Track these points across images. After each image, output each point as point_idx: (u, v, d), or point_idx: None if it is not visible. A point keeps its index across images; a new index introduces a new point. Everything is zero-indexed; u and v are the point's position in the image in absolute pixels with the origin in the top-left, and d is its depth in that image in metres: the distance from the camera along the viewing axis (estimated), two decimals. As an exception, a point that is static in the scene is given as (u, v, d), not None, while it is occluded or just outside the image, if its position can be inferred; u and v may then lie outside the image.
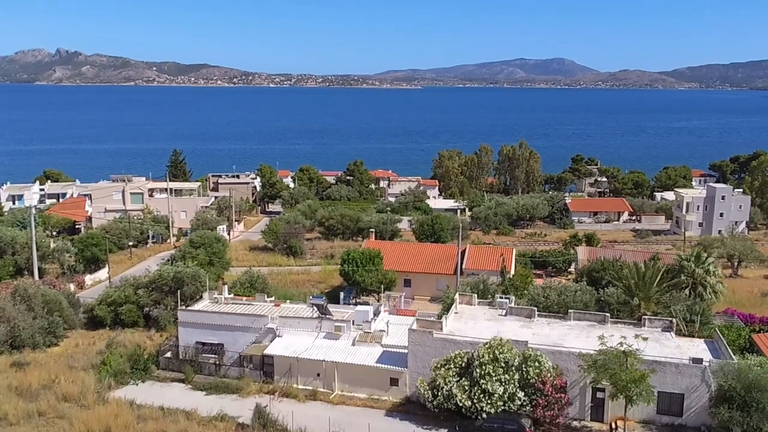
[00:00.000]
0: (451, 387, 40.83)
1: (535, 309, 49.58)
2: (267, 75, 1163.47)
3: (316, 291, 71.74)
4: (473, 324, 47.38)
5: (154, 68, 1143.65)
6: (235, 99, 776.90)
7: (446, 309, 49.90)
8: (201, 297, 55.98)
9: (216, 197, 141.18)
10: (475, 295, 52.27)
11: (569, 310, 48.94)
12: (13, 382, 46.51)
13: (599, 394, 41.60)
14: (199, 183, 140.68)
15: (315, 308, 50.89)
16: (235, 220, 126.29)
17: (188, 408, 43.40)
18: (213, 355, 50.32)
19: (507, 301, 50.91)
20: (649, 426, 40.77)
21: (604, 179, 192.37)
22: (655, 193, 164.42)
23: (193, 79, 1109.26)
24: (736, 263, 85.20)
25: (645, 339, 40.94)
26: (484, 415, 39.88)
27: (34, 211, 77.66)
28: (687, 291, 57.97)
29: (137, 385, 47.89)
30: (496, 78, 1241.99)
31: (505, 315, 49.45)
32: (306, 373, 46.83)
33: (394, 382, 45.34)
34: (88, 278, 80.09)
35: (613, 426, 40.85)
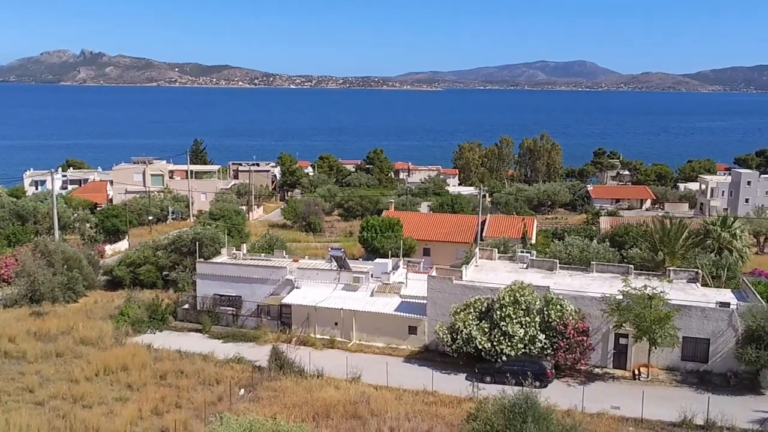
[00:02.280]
0: (470, 330, 40.14)
1: (557, 261, 48.76)
2: (288, 76, 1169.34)
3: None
4: (493, 275, 46.65)
5: (177, 69, 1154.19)
6: (255, 99, 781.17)
7: (466, 262, 49.21)
8: (219, 253, 55.73)
9: (235, 182, 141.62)
10: (496, 250, 51.52)
11: (591, 262, 48.04)
12: (32, 327, 46.65)
13: (622, 341, 40.71)
14: (219, 166, 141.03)
15: (333, 261, 50.42)
16: (255, 205, 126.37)
17: (205, 353, 43.19)
18: (230, 308, 50.07)
19: (528, 255, 50.11)
20: (673, 372, 39.80)
21: (627, 172, 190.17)
22: (678, 184, 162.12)
23: (214, 80, 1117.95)
24: (762, 240, 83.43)
25: (670, 281, 39.97)
26: (504, 358, 39.16)
27: (53, 175, 77.86)
28: (713, 255, 56.75)
29: (154, 333, 47.79)
30: (517, 80, 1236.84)
31: (526, 268, 48.67)
32: (324, 323, 46.41)
33: (412, 330, 44.77)
34: (109, 248, 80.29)
35: (637, 372, 39.94)
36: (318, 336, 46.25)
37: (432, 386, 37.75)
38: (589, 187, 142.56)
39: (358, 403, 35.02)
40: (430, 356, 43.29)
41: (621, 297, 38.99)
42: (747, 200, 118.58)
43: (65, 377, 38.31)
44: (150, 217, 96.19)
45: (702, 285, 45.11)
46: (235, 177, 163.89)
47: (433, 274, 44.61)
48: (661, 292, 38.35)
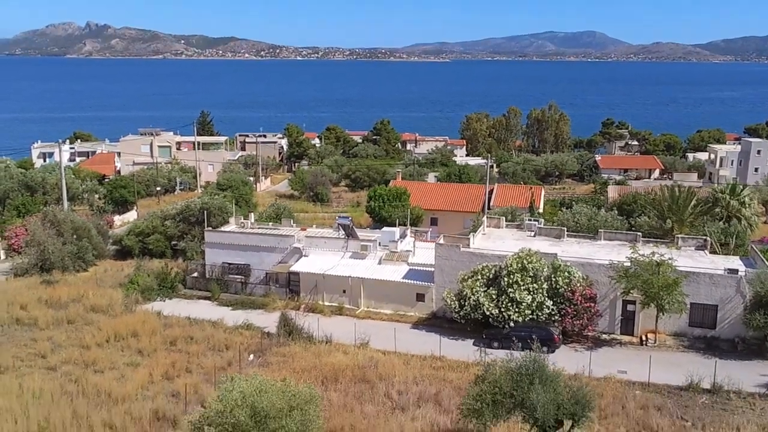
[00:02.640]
0: (478, 297, 40.28)
1: (565, 229, 48.71)
2: (294, 48, 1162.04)
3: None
4: (501, 243, 46.63)
5: (183, 41, 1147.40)
6: (262, 72, 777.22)
7: (474, 230, 49.19)
8: (227, 222, 55.88)
9: (242, 154, 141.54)
10: (503, 218, 51.48)
11: (599, 230, 47.97)
12: (43, 295, 47.11)
13: (630, 307, 40.80)
14: (226, 137, 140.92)
15: (341, 229, 50.51)
16: (262, 176, 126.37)
17: (214, 319, 43.56)
18: (239, 276, 50.34)
19: (536, 223, 50.05)
20: (680, 338, 39.92)
21: (635, 142, 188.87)
22: (687, 154, 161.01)
23: (220, 52, 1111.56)
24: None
25: (678, 248, 39.89)
26: (512, 324, 39.33)
27: (61, 147, 77.96)
28: (721, 223, 56.52)
29: (164, 301, 48.17)
30: (525, 51, 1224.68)
31: (534, 236, 48.63)
32: (332, 290, 46.65)
33: (420, 297, 44.99)
34: (117, 218, 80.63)
35: (644, 338, 40.09)
36: (326, 303, 46.53)
37: (440, 352, 38.03)
38: (597, 158, 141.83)
39: (366, 367, 35.37)
40: (437, 323, 43.55)
41: (629, 264, 38.98)
42: (756, 169, 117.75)
43: (76, 343, 38.78)
44: (158, 188, 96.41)
45: (710, 252, 45.01)
46: (242, 149, 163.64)
47: (441, 242, 44.66)
48: (669, 258, 38.30)
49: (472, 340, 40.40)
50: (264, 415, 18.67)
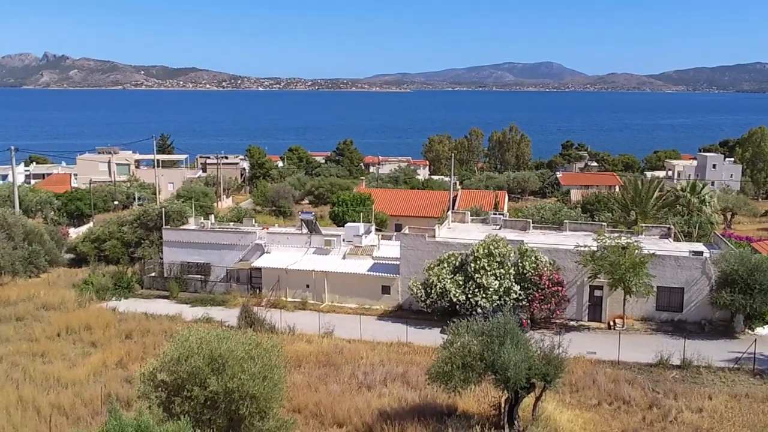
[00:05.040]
0: (444, 283, 39.54)
1: (530, 221, 48.48)
2: (256, 78, 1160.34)
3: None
4: (467, 234, 46.11)
5: (142, 72, 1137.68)
6: (223, 102, 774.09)
7: (439, 224, 48.62)
8: (186, 223, 54.38)
9: (204, 175, 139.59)
10: (468, 213, 51.07)
11: (564, 221, 47.83)
12: (-9, 295, 44.86)
13: (597, 293, 40.50)
14: (186, 155, 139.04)
15: (304, 225, 49.48)
16: (224, 195, 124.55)
17: (172, 314, 41.96)
18: (199, 275, 48.79)
19: (501, 216, 49.74)
20: (648, 322, 39.68)
21: (595, 163, 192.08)
22: (645, 172, 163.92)
23: (181, 82, 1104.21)
24: (729, 216, 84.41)
25: (642, 230, 39.85)
26: (479, 310, 38.56)
27: (12, 152, 75.42)
28: (683, 219, 57.02)
29: (120, 300, 46.27)
30: (485, 81, 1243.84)
31: (499, 228, 48.25)
32: (295, 285, 45.46)
33: (385, 290, 44.09)
34: (73, 231, 78.05)
35: (612, 324, 39.73)
36: (289, 299, 45.28)
37: (406, 339, 37.07)
38: (559, 175, 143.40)
39: (331, 353, 34.19)
40: (403, 314, 42.59)
41: (595, 248, 38.75)
42: (713, 183, 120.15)
43: (25, 337, 36.81)
44: (115, 202, 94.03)
45: (674, 240, 45.14)
46: (203, 170, 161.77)
47: (406, 232, 43.95)
48: (635, 241, 38.18)
49: (439, 329, 39.49)
50: (222, 363, 17.52)
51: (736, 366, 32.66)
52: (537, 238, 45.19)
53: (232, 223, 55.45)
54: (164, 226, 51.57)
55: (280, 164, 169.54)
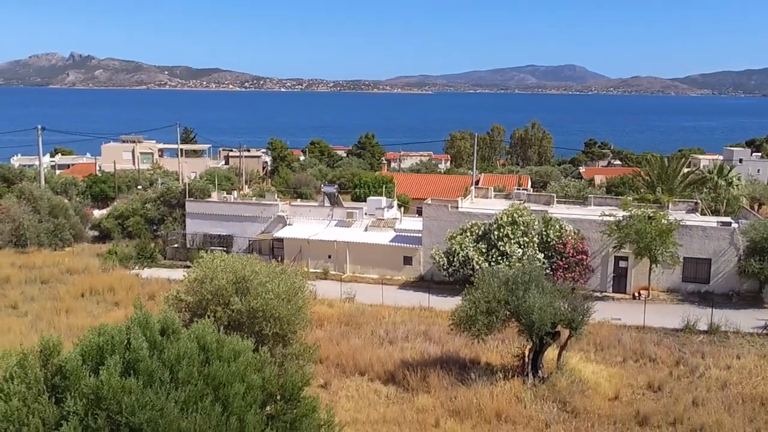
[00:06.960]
0: (467, 251, 39.28)
1: (554, 195, 48.05)
2: (278, 79, 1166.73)
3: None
4: (490, 205, 45.78)
5: (166, 72, 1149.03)
6: (246, 101, 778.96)
7: (463, 197, 48.34)
8: (209, 195, 54.63)
9: (227, 166, 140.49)
10: (491, 189, 50.73)
11: (589, 196, 47.34)
12: (17, 261, 45.39)
13: (622, 264, 39.99)
14: (209, 145, 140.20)
15: (326, 197, 49.46)
16: (246, 186, 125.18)
17: (195, 281, 42.06)
18: (221, 247, 48.90)
19: (525, 191, 49.34)
20: (674, 294, 39.10)
21: (618, 161, 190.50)
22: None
23: (204, 83, 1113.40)
24: (757, 207, 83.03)
25: (669, 201, 39.27)
26: (502, 278, 38.21)
27: (39, 129, 76.31)
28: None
29: (142, 269, 46.56)
30: (507, 84, 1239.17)
31: (523, 203, 47.75)
32: (317, 256, 45.45)
33: (407, 261, 43.91)
34: (96, 212, 78.93)
35: (637, 294, 39.20)
36: (311, 270, 45.21)
37: (428, 304, 36.87)
38: (582, 169, 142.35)
39: (353, 314, 34.10)
40: (425, 285, 42.36)
41: (621, 217, 38.28)
42: (739, 177, 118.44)
43: (50, 297, 37.17)
44: (139, 187, 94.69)
45: (701, 215, 44.47)
46: (226, 162, 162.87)
47: (429, 202, 43.76)
48: (662, 212, 37.65)
49: (461, 298, 39.18)
50: (246, 284, 17.47)
51: (765, 331, 32.03)
52: (561, 212, 44.77)
53: (254, 198, 55.56)
54: (187, 199, 51.76)
55: (302, 158, 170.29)
